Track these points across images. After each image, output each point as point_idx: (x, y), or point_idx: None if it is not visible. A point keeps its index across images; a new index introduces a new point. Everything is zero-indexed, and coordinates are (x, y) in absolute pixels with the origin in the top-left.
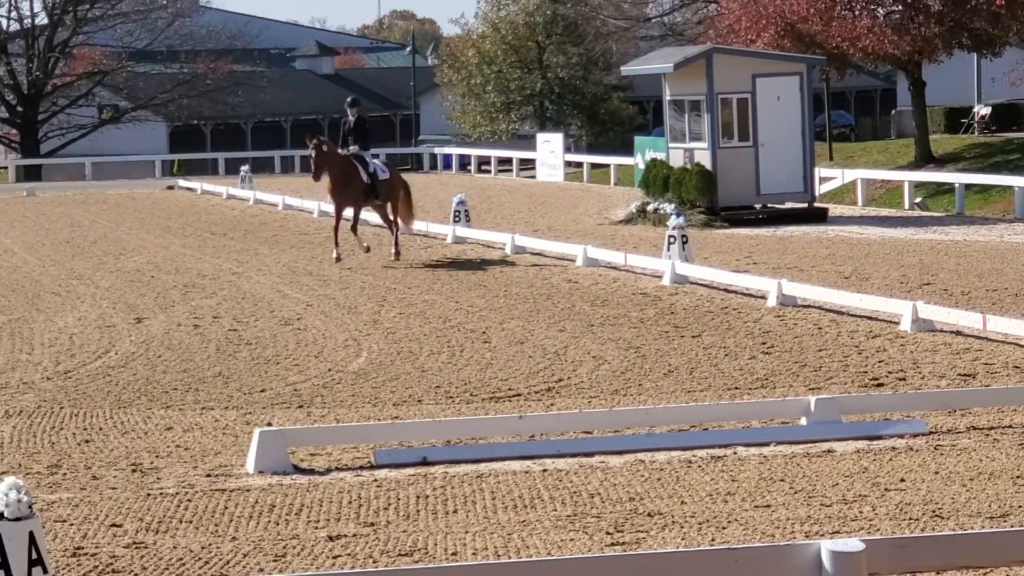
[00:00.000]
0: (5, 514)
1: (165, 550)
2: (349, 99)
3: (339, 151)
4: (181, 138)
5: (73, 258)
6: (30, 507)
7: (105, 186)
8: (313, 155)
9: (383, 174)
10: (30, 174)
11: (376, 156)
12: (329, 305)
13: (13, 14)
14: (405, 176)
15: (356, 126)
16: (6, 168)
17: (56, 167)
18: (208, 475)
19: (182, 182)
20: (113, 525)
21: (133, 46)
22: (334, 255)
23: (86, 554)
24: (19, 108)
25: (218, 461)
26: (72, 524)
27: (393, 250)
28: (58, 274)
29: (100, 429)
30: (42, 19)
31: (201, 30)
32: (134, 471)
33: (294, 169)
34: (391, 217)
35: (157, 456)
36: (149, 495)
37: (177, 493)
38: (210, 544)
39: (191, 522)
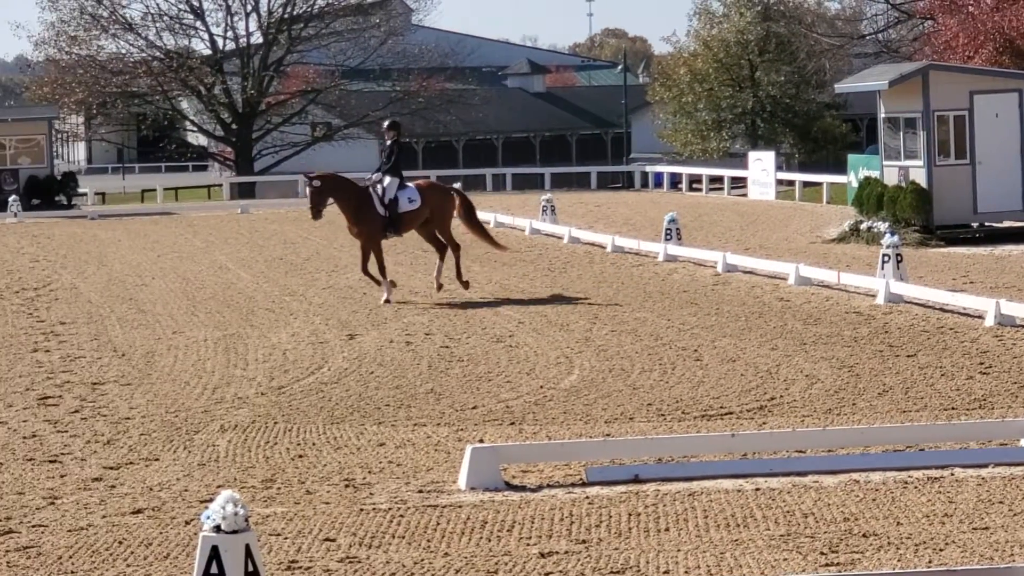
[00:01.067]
0: (222, 527)
1: (378, 565)
2: (386, 122)
3: (355, 181)
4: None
5: (286, 275)
6: (246, 520)
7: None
8: (308, 194)
9: (409, 204)
10: (244, 191)
11: (419, 180)
12: (541, 322)
13: (229, 33)
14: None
15: (387, 151)
16: (220, 186)
17: (269, 184)
18: (420, 491)
19: None
20: (327, 539)
21: (346, 64)
22: (383, 298)
23: (300, 568)
24: (234, 126)
25: (430, 477)
26: (286, 538)
27: (456, 274)
28: (272, 291)
29: (313, 444)
30: (257, 38)
31: (414, 49)
32: (347, 486)
33: (506, 187)
34: (442, 242)
35: (370, 472)
36: (362, 510)
37: (389, 509)
38: (422, 560)
39: (403, 537)
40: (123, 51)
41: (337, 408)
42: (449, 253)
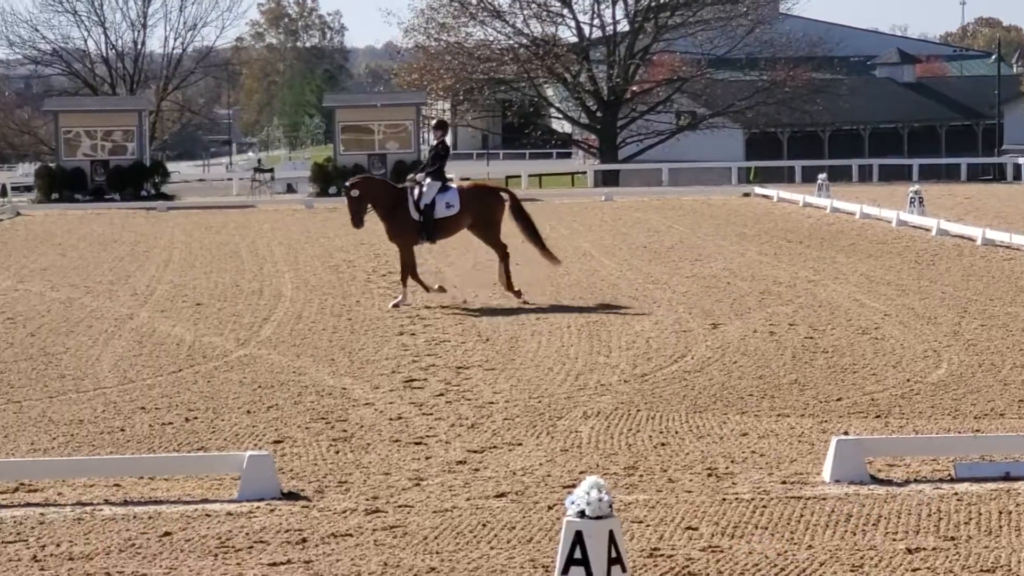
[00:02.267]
0: (587, 512)
1: (740, 555)
2: (434, 121)
3: (394, 183)
4: (758, 145)
5: (650, 263)
6: (610, 507)
7: (681, 192)
8: (347, 203)
9: (447, 210)
10: (608, 179)
11: (465, 182)
12: (907, 315)
13: (596, 21)
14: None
15: (433, 152)
16: (584, 173)
17: (633, 172)
18: (783, 482)
19: (758, 189)
20: (689, 528)
21: (712, 53)
22: (393, 302)
23: (662, 555)
24: (599, 114)
25: (793, 468)
26: (648, 525)
27: (503, 282)
28: (635, 278)
29: (676, 433)
30: (623, 26)
31: (781, 37)
32: (709, 475)
33: (872, 178)
34: (499, 247)
35: (732, 461)
36: (724, 500)
37: (752, 499)
38: (785, 551)
39: (766, 528)
40: (490, 38)
41: (700, 397)
42: (504, 258)
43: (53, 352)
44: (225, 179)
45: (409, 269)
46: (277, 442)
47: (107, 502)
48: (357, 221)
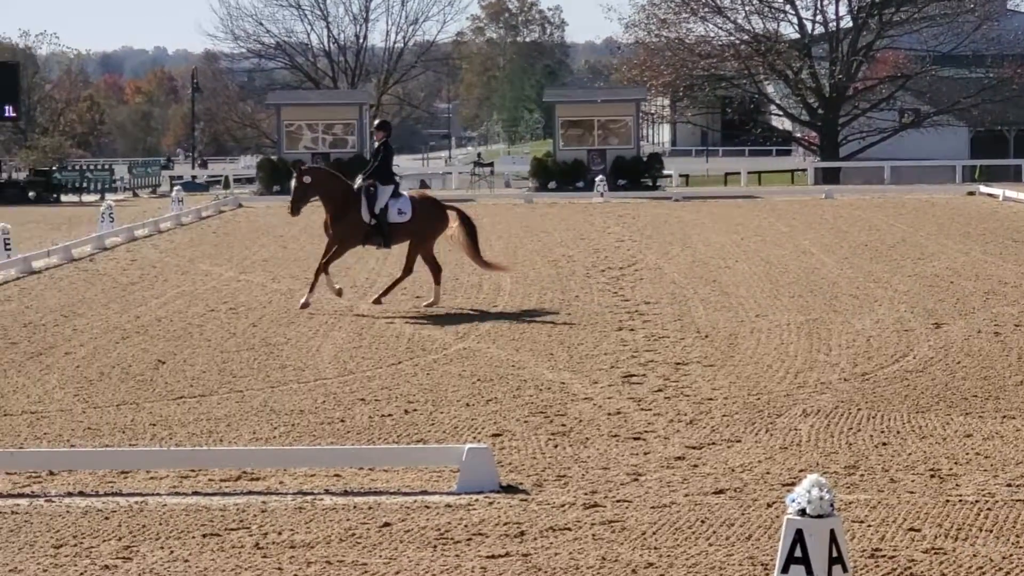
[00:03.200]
0: (808, 511)
1: (964, 558)
2: (376, 121)
3: (348, 181)
4: (983, 143)
5: (871, 261)
6: (831, 505)
7: (903, 190)
8: (293, 186)
9: (399, 216)
10: (828, 177)
11: (415, 191)
12: None
13: (818, 17)
14: None
15: (375, 154)
16: (804, 170)
17: (854, 170)
18: (1009, 485)
19: (983, 188)
20: (911, 529)
21: (937, 50)
22: (303, 300)
23: (884, 556)
24: (819, 111)
25: (1019, 471)
26: (870, 526)
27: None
28: (855, 276)
29: (897, 432)
30: (847, 22)
31: (1009, 35)
32: (932, 476)
33: None
34: (412, 265)
35: (956, 463)
36: (947, 501)
37: (977, 501)
38: (1011, 555)
39: (991, 531)
40: (711, 34)
41: (922, 397)
42: (405, 276)
43: (274, 342)
44: (444, 173)
45: (326, 267)
46: (496, 435)
47: (327, 492)
48: (297, 209)
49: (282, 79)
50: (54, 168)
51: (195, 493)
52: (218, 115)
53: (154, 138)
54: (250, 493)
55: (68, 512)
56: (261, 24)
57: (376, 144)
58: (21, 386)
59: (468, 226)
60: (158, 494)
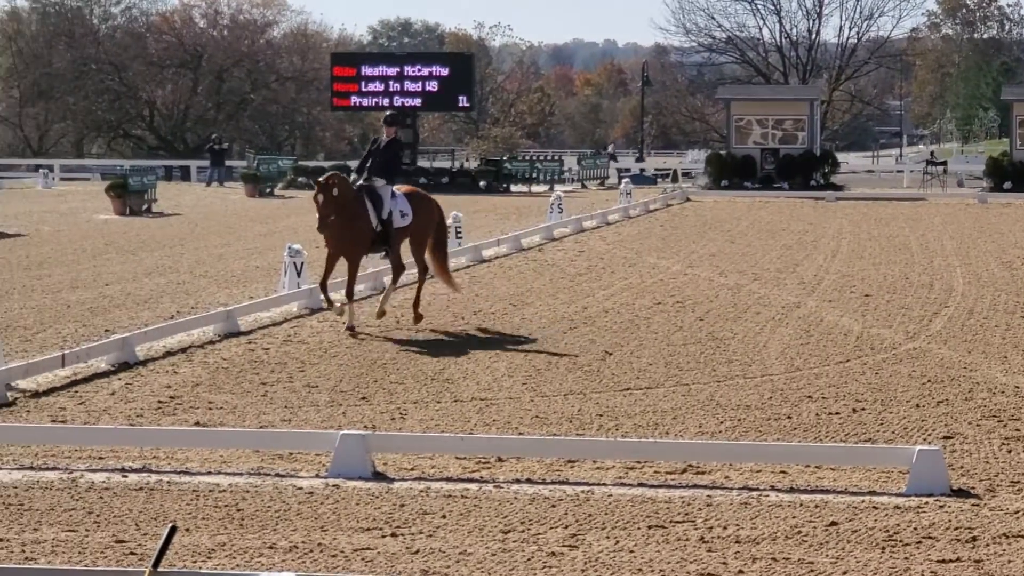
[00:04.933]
0: None
1: None
2: (387, 114)
3: (353, 186)
4: None
5: None
6: None
7: None
8: (321, 200)
9: (402, 220)
10: None
11: (411, 186)
12: None
13: None
14: None
15: (386, 150)
16: None
17: None
18: None
19: None
20: None
21: None
22: (342, 316)
23: None
24: None
25: None
26: None
27: (412, 310)
28: None
29: None
30: None
31: None
32: None
33: None
34: (424, 263)
35: None
36: None
37: None
38: None
39: None
40: None
41: None
42: (424, 276)
43: (721, 337)
44: (895, 171)
45: (324, 281)
46: (947, 438)
47: (773, 488)
48: (325, 225)
49: (732, 73)
50: (504, 158)
51: (640, 484)
52: (666, 108)
53: (602, 130)
54: (695, 487)
55: (516, 498)
56: (713, 18)
57: (384, 139)
58: (471, 373)
59: (442, 222)
60: (604, 484)
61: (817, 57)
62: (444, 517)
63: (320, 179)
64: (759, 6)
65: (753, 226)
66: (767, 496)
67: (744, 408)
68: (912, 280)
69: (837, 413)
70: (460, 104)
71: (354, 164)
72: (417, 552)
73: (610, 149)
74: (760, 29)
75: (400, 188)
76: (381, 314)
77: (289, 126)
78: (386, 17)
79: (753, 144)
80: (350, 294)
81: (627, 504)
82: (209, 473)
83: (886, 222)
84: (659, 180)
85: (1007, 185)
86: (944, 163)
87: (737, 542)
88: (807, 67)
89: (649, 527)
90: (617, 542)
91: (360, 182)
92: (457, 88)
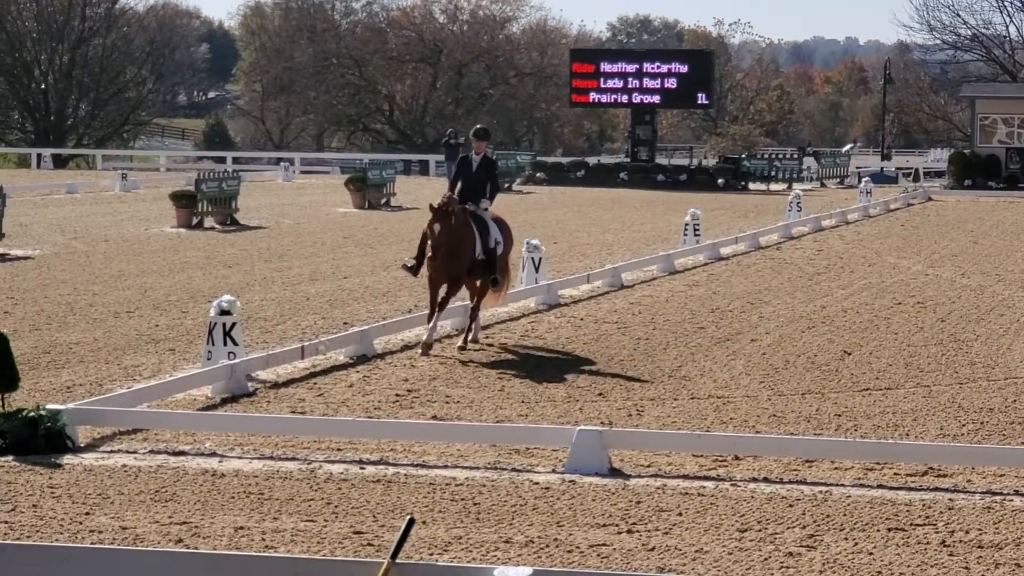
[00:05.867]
0: None
1: None
2: (478, 128)
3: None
4: None
5: None
6: None
7: None
8: (438, 230)
9: (498, 247)
10: None
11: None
12: None
13: None
14: None
15: (480, 170)
16: None
17: None
18: None
19: None
20: None
21: None
22: (424, 342)
23: None
24: None
25: None
26: None
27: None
28: None
29: None
30: None
31: None
32: None
33: None
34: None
35: None
36: None
37: None
38: None
39: None
40: None
41: None
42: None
43: (963, 339)
44: None
45: (441, 308)
46: None
47: (1017, 493)
48: (441, 256)
49: (976, 71)
50: (743, 156)
51: (880, 486)
52: (908, 106)
53: (842, 128)
54: (936, 489)
55: (752, 497)
56: (958, 15)
57: (477, 157)
58: (708, 370)
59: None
60: (842, 485)
61: None
62: (680, 515)
63: (436, 204)
64: (1007, 3)
65: (997, 227)
66: (1011, 501)
67: (987, 411)
68: None
69: None
70: (699, 101)
71: (593, 160)
72: (653, 549)
73: (847, 148)
74: (1007, 26)
75: (493, 214)
76: (465, 346)
77: (528, 122)
78: (625, 14)
79: (998, 143)
80: (476, 323)
81: (866, 506)
82: (446, 467)
83: None
84: (900, 179)
85: None
86: None
87: (979, 547)
88: None
89: (888, 530)
90: (856, 544)
91: (468, 207)
92: (696, 85)
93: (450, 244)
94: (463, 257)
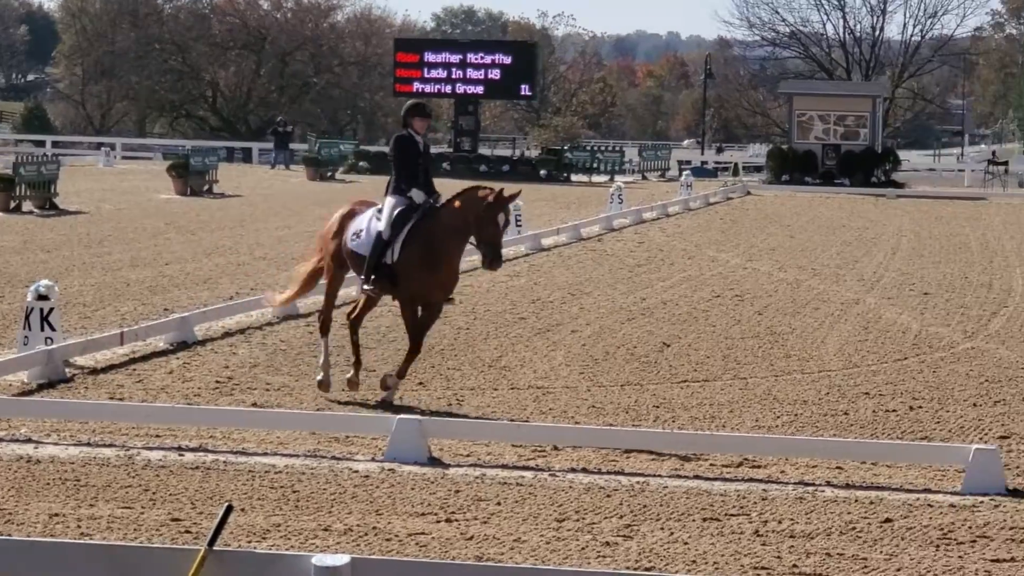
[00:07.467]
0: None
1: None
2: (420, 103)
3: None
4: None
5: None
6: None
7: None
8: (503, 223)
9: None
10: None
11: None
12: None
13: None
14: None
15: (427, 154)
16: None
17: None
18: None
19: None
20: None
21: None
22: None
23: None
24: None
25: None
26: None
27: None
28: None
29: None
30: None
31: None
32: None
33: None
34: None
35: None
36: None
37: None
38: None
39: None
40: None
41: None
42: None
43: (779, 332)
44: (956, 170)
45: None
46: (1003, 438)
47: (828, 483)
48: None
49: (795, 68)
50: (565, 148)
51: (696, 477)
52: (728, 102)
53: (663, 122)
54: (751, 480)
55: (571, 487)
56: (776, 12)
57: (421, 139)
58: (528, 361)
59: None
60: (659, 475)
61: (880, 54)
62: (499, 504)
63: (504, 192)
64: (823, 1)
65: (813, 222)
66: (822, 491)
67: (801, 403)
68: (971, 279)
69: (894, 410)
70: (522, 92)
71: None
72: (471, 538)
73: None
74: (824, 24)
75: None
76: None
77: (351, 111)
78: (449, 4)
79: (815, 140)
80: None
81: (682, 496)
82: (265, 454)
83: (946, 221)
84: (719, 173)
85: None
86: (1006, 163)
87: (791, 536)
88: (870, 64)
89: (704, 520)
90: (671, 534)
91: (418, 198)
92: (520, 76)
93: (445, 254)
94: (452, 271)
